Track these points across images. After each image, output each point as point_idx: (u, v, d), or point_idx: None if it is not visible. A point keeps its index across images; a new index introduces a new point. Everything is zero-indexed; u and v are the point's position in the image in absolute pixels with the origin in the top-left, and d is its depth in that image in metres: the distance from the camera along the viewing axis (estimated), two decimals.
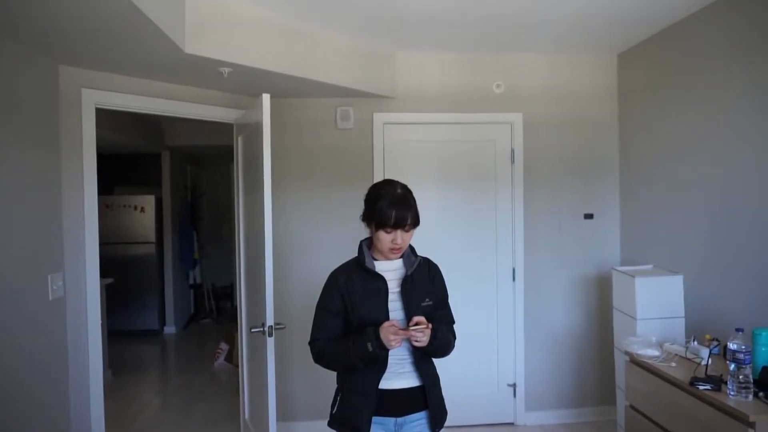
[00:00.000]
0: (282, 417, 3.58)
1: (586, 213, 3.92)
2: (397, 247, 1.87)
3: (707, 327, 2.81)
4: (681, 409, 2.32)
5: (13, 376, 2.50)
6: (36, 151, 2.70)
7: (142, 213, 6.67)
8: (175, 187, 7.06)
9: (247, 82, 3.28)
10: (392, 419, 1.91)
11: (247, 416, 3.55)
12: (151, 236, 6.69)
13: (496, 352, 3.92)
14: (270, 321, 2.78)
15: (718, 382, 2.20)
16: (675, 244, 3.28)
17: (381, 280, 1.90)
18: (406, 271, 1.93)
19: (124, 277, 5.99)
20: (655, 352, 2.67)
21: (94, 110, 3.02)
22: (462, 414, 3.58)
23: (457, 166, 3.87)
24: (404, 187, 1.92)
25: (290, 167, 3.76)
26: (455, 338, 2.02)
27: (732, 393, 2.11)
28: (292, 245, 3.76)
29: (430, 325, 1.82)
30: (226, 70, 2.97)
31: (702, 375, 2.30)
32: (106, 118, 3.83)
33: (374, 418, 1.88)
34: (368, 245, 1.98)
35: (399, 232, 1.86)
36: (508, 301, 3.92)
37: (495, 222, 3.90)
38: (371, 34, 3.40)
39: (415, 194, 1.92)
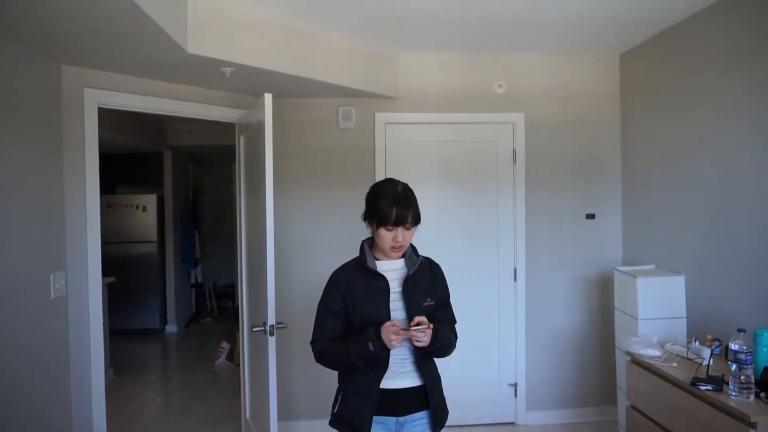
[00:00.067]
0: (283, 416, 3.58)
1: (588, 213, 3.92)
2: (399, 245, 1.88)
3: (709, 327, 2.81)
4: (682, 410, 2.32)
5: (15, 375, 2.50)
6: (37, 151, 2.71)
7: (144, 212, 6.68)
8: (177, 186, 7.08)
9: (249, 82, 3.29)
10: (393, 419, 1.91)
11: (248, 415, 3.56)
12: (153, 235, 6.70)
13: (497, 352, 3.92)
14: (271, 320, 2.78)
15: (719, 383, 2.20)
16: (676, 244, 3.28)
17: (382, 280, 1.90)
18: (408, 270, 1.93)
19: (125, 276, 6.01)
20: (657, 353, 2.67)
21: (96, 110, 3.02)
22: (463, 414, 3.58)
23: (459, 166, 3.87)
24: (405, 185, 1.92)
25: (292, 167, 3.77)
26: (457, 338, 2.02)
27: (733, 393, 2.11)
28: (293, 245, 3.77)
29: (432, 326, 1.82)
30: (228, 69, 2.97)
31: (703, 375, 2.29)
32: (108, 117, 3.85)
33: (375, 418, 1.88)
34: (370, 245, 1.98)
35: (400, 230, 1.86)
36: (509, 301, 3.92)
37: (496, 222, 3.90)
38: (371, 34, 3.41)
39: (416, 194, 1.92)
